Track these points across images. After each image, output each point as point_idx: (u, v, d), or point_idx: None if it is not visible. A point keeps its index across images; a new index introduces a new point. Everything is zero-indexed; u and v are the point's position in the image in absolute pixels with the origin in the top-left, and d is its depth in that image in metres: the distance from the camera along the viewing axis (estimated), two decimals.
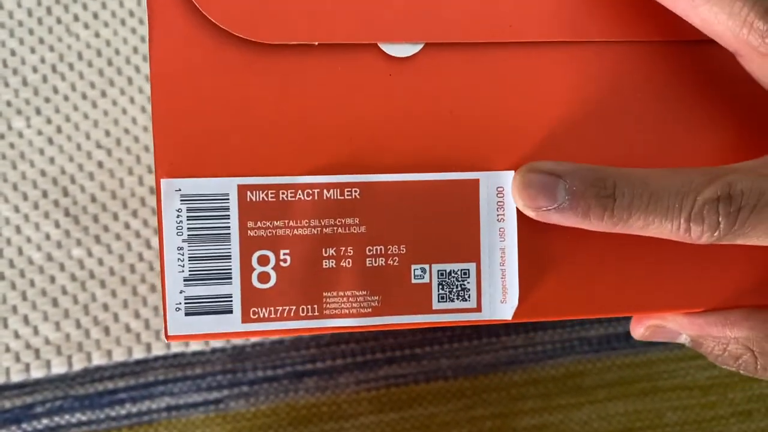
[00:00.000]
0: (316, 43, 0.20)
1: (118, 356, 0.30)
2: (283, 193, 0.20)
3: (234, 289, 0.20)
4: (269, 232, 0.20)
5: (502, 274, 0.21)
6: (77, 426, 0.30)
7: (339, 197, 0.20)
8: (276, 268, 0.20)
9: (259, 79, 0.20)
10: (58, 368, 0.30)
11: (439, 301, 0.21)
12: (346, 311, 0.20)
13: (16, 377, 0.30)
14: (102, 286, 0.31)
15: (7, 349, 0.30)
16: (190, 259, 0.20)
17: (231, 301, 0.20)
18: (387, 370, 0.31)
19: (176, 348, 0.30)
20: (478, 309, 0.21)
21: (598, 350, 0.32)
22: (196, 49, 0.20)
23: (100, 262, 0.31)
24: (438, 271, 0.21)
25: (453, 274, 0.21)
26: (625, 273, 0.22)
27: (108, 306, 0.30)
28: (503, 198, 0.21)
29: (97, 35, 0.32)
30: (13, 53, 0.32)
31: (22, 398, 0.30)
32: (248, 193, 0.20)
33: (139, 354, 0.30)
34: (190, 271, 0.20)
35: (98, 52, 0.32)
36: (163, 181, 0.19)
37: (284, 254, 0.20)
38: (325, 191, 0.20)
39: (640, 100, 0.22)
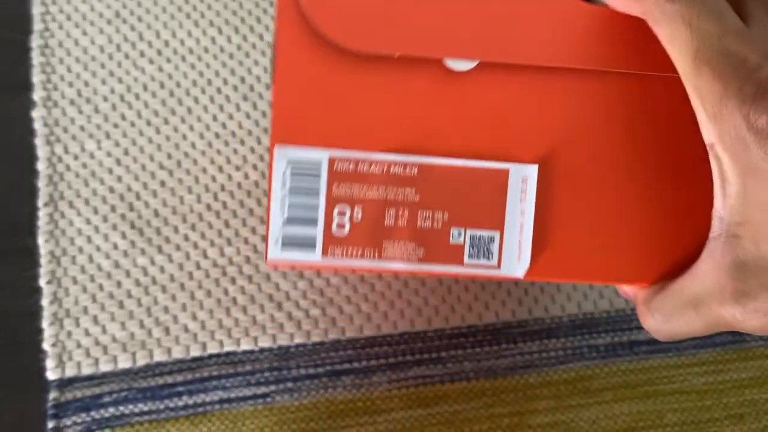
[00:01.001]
0: (397, 55, 0.25)
1: (177, 353, 0.33)
2: (360, 165, 0.25)
3: (318, 231, 0.25)
4: (348, 193, 0.25)
5: (519, 243, 0.25)
6: (140, 415, 0.32)
7: (401, 172, 0.25)
8: (350, 219, 0.25)
9: (350, 79, 0.25)
10: (124, 363, 0.32)
11: (469, 258, 0.25)
12: (399, 257, 0.25)
13: (87, 370, 0.32)
14: (163, 291, 0.33)
15: (79, 345, 0.32)
16: (289, 206, 0.25)
17: (315, 240, 0.25)
18: (416, 371, 0.34)
19: (228, 347, 0.33)
20: (498, 267, 0.26)
21: (605, 357, 0.35)
22: (307, 55, 0.25)
23: (162, 270, 0.34)
24: (471, 235, 0.25)
25: (482, 239, 0.25)
26: (611, 248, 0.26)
27: (168, 309, 0.33)
28: (526, 185, 0.25)
29: (160, 69, 0.36)
30: (86, 84, 0.36)
31: (91, 389, 0.32)
32: (336, 162, 0.25)
33: (195, 352, 0.33)
34: (287, 215, 0.25)
35: (161, 84, 0.36)
36: (276, 146, 0.25)
37: (357, 210, 0.25)
38: (392, 167, 0.25)
39: (665, 131, 0.26)
